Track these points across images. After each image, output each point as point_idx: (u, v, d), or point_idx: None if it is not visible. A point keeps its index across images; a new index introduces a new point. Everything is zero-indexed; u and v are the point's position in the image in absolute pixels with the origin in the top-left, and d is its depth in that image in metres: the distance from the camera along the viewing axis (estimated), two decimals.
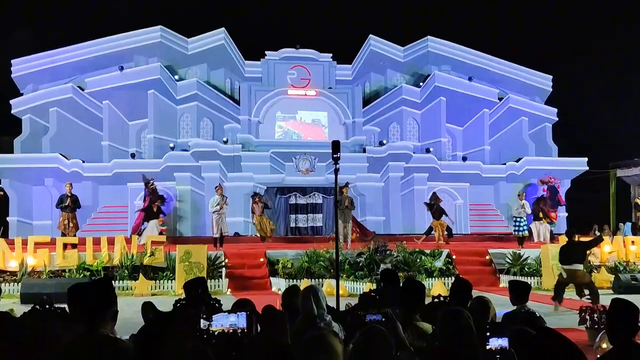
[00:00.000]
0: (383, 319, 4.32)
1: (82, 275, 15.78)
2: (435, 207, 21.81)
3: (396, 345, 3.93)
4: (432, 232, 21.34)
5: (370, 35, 28.28)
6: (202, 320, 3.81)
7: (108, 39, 26.41)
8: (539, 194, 24.87)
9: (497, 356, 3.76)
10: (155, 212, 21.41)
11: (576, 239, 14.39)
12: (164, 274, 16.36)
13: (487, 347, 3.79)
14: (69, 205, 20.73)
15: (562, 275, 13.43)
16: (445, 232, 21.27)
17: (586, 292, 13.40)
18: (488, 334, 3.80)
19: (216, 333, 3.77)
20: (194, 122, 27.09)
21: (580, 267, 13.38)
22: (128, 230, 23.65)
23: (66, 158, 24.55)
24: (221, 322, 3.82)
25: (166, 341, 3.15)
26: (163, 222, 23.23)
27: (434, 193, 23.45)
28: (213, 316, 3.81)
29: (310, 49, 28.02)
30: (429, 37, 28.25)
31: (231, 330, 3.81)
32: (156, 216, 21.37)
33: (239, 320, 3.83)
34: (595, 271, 17.86)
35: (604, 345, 6.56)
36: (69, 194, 20.94)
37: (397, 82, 29.05)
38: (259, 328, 3.96)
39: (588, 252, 18.39)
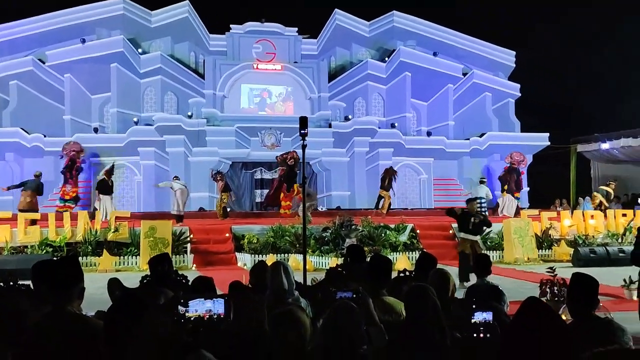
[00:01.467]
0: (354, 296, 4.38)
1: (44, 251, 15.63)
2: (387, 179, 22.38)
3: (367, 322, 4.01)
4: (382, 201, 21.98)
5: (336, 10, 28.17)
6: (179, 306, 3.81)
7: (69, 10, 25.90)
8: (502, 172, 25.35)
9: (481, 328, 3.88)
10: (111, 187, 21.03)
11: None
12: (128, 249, 16.26)
13: (472, 321, 3.92)
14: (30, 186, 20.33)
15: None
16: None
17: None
18: (474, 306, 3.93)
19: (192, 318, 3.78)
20: (158, 96, 26.77)
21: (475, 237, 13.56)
22: (90, 205, 23.38)
23: (27, 132, 24.10)
24: (197, 308, 3.83)
25: (139, 321, 3.15)
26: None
27: (390, 167, 23.72)
28: (189, 302, 3.81)
29: (275, 23, 27.80)
30: (394, 11, 28.27)
31: (207, 317, 3.82)
32: (111, 191, 20.97)
33: (216, 307, 3.84)
34: (556, 245, 18.28)
35: (565, 318, 6.74)
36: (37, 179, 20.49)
37: (363, 57, 29.03)
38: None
39: (548, 225, 18.94)
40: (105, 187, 20.66)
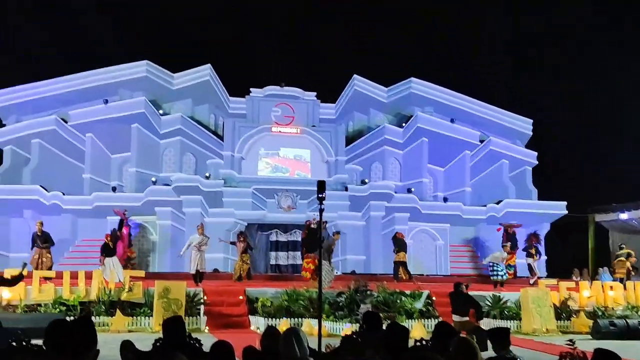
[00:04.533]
0: None
1: (58, 310, 15.57)
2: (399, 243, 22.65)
3: None
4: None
5: (354, 76, 28.57)
6: None
7: (94, 72, 26.48)
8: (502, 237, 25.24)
9: None
10: (113, 249, 20.88)
11: (463, 291, 14.16)
12: (142, 310, 16.14)
13: None
14: (37, 243, 20.65)
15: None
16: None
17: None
18: None
19: None
20: (176, 156, 27.06)
21: (465, 318, 13.34)
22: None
23: (46, 190, 24.35)
24: None
25: None
26: (133, 254, 23.12)
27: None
28: None
29: (294, 87, 28.24)
30: (412, 78, 28.60)
31: None
32: (114, 253, 20.91)
33: None
34: (574, 316, 17.93)
35: None
36: (39, 233, 20.84)
37: (380, 122, 29.29)
38: None
39: (567, 295, 18.63)
40: (108, 250, 20.62)
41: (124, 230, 23.23)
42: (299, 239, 25.61)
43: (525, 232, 25.21)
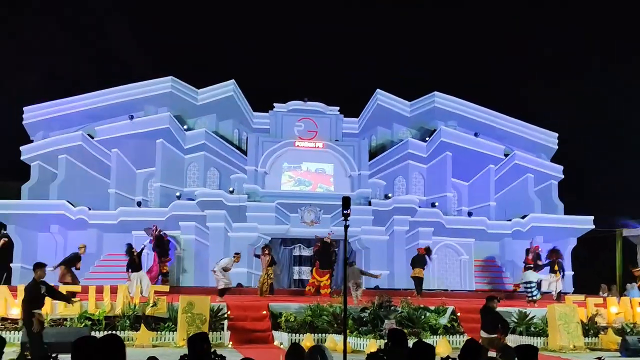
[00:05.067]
0: None
1: (83, 324, 15.66)
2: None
3: None
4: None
5: (377, 90, 28.57)
6: None
7: (119, 88, 26.81)
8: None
9: None
10: (139, 264, 20.87)
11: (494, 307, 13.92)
12: (166, 324, 16.17)
13: None
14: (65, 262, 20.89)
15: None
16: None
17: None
18: None
19: None
20: (201, 171, 27.23)
21: (493, 335, 13.14)
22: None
23: (73, 205, 24.63)
24: None
25: None
26: (167, 271, 23.29)
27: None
28: None
29: (317, 102, 28.32)
30: (435, 92, 28.54)
31: None
32: (140, 268, 20.95)
33: None
34: (602, 333, 17.65)
35: None
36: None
37: (404, 136, 29.23)
38: None
39: (595, 312, 18.33)
40: (134, 265, 20.75)
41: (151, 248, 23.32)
42: None
43: (546, 248, 24.91)
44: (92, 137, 26.21)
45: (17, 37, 34.53)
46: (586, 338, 17.30)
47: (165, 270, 23.36)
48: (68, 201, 24.71)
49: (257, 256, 22.70)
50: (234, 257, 20.64)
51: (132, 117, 26.12)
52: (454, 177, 28.39)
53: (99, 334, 14.35)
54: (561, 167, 29.31)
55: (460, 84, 31.82)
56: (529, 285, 21.67)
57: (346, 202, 9.00)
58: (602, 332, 17.67)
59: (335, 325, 16.09)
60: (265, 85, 33.25)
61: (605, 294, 22.29)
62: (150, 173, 26.94)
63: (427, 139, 28.74)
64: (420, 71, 36.82)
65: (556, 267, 23.24)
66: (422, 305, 17.83)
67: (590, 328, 17.81)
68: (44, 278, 11.96)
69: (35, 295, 11.72)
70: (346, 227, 9.12)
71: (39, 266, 12.01)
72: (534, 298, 21.36)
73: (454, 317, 17.88)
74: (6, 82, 30.97)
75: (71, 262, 21.08)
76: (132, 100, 26.66)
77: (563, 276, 23.49)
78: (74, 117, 26.75)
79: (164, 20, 37.16)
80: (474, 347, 6.13)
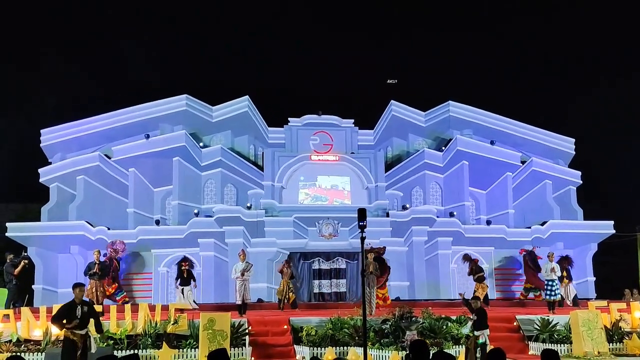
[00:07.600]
0: None
1: (105, 344, 15.70)
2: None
3: None
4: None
5: (392, 101, 28.55)
6: None
7: (135, 108, 26.97)
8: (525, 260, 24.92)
9: None
10: (187, 278, 21.54)
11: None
12: (187, 342, 16.20)
13: None
14: (97, 272, 21.03)
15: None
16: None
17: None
18: None
19: None
20: (218, 188, 27.29)
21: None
22: (152, 297, 23.73)
23: (92, 225, 24.80)
24: None
25: None
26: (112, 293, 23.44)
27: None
28: None
29: (332, 115, 28.36)
30: (450, 101, 28.49)
31: None
32: (188, 282, 21.48)
33: None
34: (627, 338, 17.43)
35: None
36: (97, 261, 21.26)
37: (419, 147, 29.16)
38: None
39: (618, 317, 18.12)
40: (182, 279, 21.55)
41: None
42: (342, 266, 25.65)
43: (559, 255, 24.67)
44: (109, 157, 26.40)
45: (34, 66, 35.01)
46: (610, 344, 17.12)
47: (109, 293, 23.15)
48: (87, 221, 24.88)
49: (281, 271, 22.66)
50: (239, 257, 20.94)
51: (148, 136, 26.28)
52: (471, 186, 28.25)
53: (121, 353, 14.41)
54: (579, 173, 29.07)
55: (474, 92, 31.77)
56: (550, 283, 21.28)
57: (362, 213, 9.00)
58: (627, 338, 17.46)
59: (357, 337, 16.04)
60: (279, 100, 33.40)
61: (629, 299, 21.99)
62: (168, 191, 27.06)
63: (443, 148, 28.67)
64: (434, 81, 36.83)
65: (564, 274, 23.01)
66: (443, 315, 17.73)
67: (615, 333, 17.61)
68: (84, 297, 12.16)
69: (61, 313, 11.87)
70: (362, 238, 9.11)
71: (76, 286, 12.17)
72: (552, 298, 20.99)
73: None
74: (25, 106, 31.39)
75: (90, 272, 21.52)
76: (147, 120, 26.81)
77: (570, 280, 23.34)
78: (91, 138, 26.94)
79: (177, 39, 37.50)
80: (498, 356, 6.09)
